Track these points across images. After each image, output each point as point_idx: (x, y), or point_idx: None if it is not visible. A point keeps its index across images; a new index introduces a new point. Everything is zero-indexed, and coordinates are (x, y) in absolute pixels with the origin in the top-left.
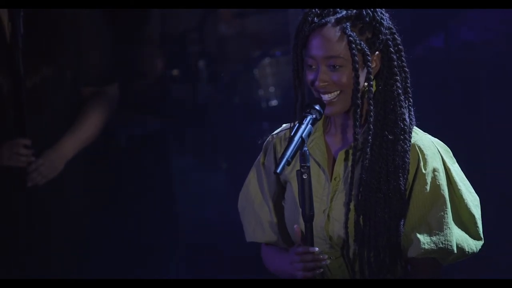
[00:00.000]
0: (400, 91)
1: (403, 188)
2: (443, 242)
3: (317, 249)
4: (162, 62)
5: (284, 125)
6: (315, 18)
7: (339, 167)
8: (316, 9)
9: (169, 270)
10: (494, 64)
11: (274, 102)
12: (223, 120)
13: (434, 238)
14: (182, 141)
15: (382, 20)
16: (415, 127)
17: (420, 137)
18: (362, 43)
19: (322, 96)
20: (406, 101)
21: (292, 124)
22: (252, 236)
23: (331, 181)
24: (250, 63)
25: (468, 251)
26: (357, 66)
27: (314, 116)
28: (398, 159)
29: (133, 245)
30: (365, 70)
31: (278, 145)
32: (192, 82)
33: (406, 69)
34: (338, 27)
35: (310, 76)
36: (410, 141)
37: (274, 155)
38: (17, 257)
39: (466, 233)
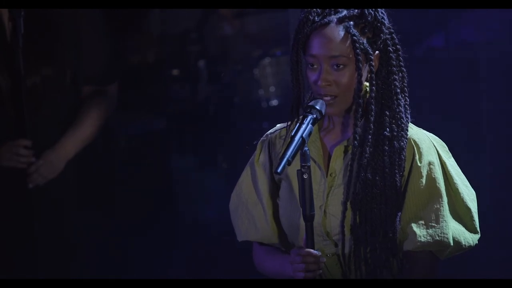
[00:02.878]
0: (398, 90)
1: (399, 185)
2: (439, 234)
3: (319, 253)
4: (162, 61)
5: (278, 125)
6: (316, 17)
7: (335, 163)
8: (317, 9)
9: (169, 270)
10: (494, 64)
11: (274, 102)
12: (223, 120)
13: (430, 231)
14: (182, 141)
15: (383, 20)
16: (410, 123)
17: (415, 132)
18: (365, 42)
19: (321, 98)
20: (403, 100)
21: (288, 123)
22: (244, 235)
23: (326, 177)
24: (250, 63)
25: (464, 244)
26: (360, 65)
27: (314, 115)
28: (395, 156)
29: (133, 245)
30: (366, 69)
31: (272, 144)
32: (192, 82)
33: (404, 69)
34: (341, 26)
35: (311, 76)
36: (406, 139)
37: (268, 154)
38: (18, 257)
39: (462, 226)
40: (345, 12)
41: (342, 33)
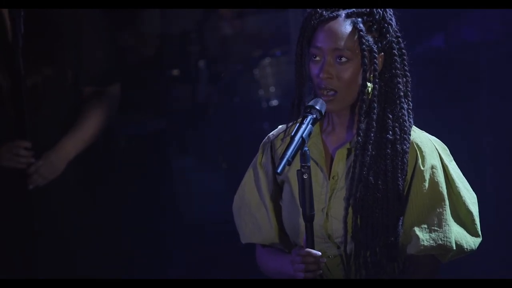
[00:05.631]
0: (401, 93)
1: (401, 188)
2: (442, 238)
3: (319, 253)
4: (162, 61)
5: (280, 126)
6: (325, 11)
7: (337, 166)
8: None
9: (169, 270)
10: (494, 64)
11: (274, 102)
12: (223, 120)
13: (433, 235)
14: (182, 141)
15: (391, 21)
16: (413, 125)
17: (418, 135)
18: (370, 40)
19: (321, 92)
20: (406, 104)
21: (289, 124)
22: (248, 238)
23: (329, 180)
24: (250, 63)
25: (466, 248)
26: (366, 61)
27: (314, 115)
28: (397, 160)
29: (133, 245)
30: (370, 68)
31: (275, 146)
32: (192, 82)
33: (408, 73)
34: (348, 21)
35: (314, 68)
36: (409, 143)
37: (271, 156)
38: (18, 257)
39: (464, 229)
40: (354, 8)
41: (349, 27)
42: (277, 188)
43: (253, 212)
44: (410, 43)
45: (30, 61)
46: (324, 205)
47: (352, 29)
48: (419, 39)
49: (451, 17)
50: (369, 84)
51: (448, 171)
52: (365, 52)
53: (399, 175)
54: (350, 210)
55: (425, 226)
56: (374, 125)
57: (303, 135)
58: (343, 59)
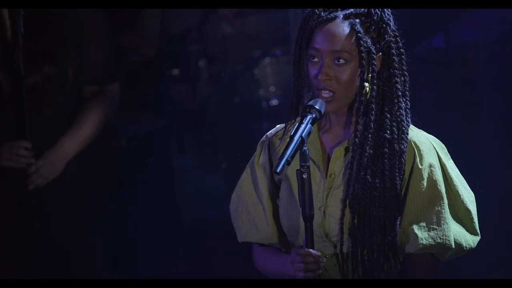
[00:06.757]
0: (399, 93)
1: (399, 188)
2: (441, 237)
3: (319, 253)
4: (162, 61)
5: (278, 125)
6: (323, 12)
7: (334, 164)
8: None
9: (169, 270)
10: (494, 64)
11: (274, 102)
12: (223, 120)
13: (432, 233)
14: (182, 141)
15: (389, 21)
16: (411, 124)
17: (415, 134)
18: (369, 41)
19: (319, 93)
20: (404, 104)
21: (287, 123)
22: (245, 236)
23: (326, 178)
24: (250, 63)
25: (465, 246)
26: (364, 62)
27: (314, 115)
28: (395, 159)
29: (133, 245)
30: (368, 69)
31: (272, 145)
32: (192, 82)
33: (406, 73)
34: (346, 22)
35: (312, 70)
36: (407, 142)
37: (268, 155)
38: (18, 257)
39: (463, 228)
40: (352, 9)
41: (347, 29)
42: (275, 187)
43: (250, 211)
44: (410, 43)
45: (30, 60)
46: (321, 204)
47: (350, 30)
48: (418, 39)
49: (451, 17)
50: (367, 84)
51: (446, 169)
52: (363, 54)
53: (397, 174)
54: (347, 209)
55: (424, 224)
56: (372, 125)
57: (303, 135)
58: (341, 61)
